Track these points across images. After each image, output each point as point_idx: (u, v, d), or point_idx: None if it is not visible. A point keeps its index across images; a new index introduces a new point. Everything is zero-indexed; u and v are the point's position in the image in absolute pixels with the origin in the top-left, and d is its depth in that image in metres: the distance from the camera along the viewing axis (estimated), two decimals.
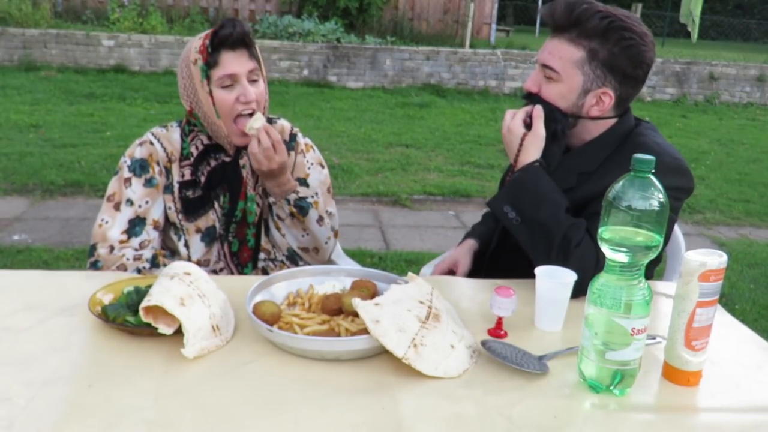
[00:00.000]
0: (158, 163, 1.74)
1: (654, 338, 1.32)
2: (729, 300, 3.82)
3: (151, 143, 1.75)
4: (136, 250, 1.69)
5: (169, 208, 1.76)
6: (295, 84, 9.68)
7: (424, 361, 1.18)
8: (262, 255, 1.84)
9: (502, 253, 1.81)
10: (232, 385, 1.13)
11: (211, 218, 1.77)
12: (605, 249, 1.13)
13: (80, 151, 5.77)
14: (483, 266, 1.85)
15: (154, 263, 1.68)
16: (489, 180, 5.72)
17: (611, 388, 1.16)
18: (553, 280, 1.37)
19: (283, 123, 1.89)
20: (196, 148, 1.76)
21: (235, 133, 1.71)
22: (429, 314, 1.26)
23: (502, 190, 1.62)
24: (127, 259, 1.66)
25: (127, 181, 1.72)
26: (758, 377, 1.27)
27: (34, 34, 9.35)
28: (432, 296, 1.32)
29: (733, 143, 8.24)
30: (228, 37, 1.65)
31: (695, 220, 5.30)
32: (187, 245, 1.76)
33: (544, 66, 1.62)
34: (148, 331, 1.23)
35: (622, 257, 1.11)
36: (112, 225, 1.69)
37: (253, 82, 1.70)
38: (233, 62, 1.66)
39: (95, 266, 1.67)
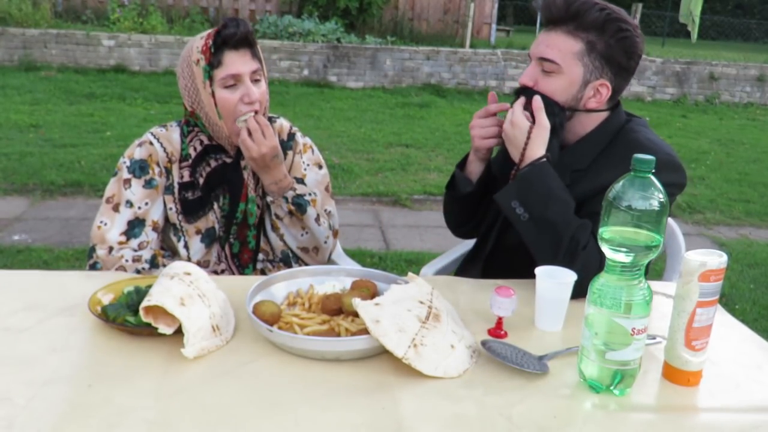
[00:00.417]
0: (158, 164, 1.73)
1: (654, 338, 1.32)
2: (729, 300, 3.82)
3: (151, 143, 1.74)
4: (135, 251, 1.69)
5: (170, 209, 1.75)
6: (295, 84, 9.68)
7: (424, 361, 1.18)
8: (260, 256, 1.84)
9: (498, 254, 1.81)
10: (232, 385, 1.13)
11: (211, 219, 1.77)
12: (605, 249, 1.13)
13: (80, 151, 5.78)
14: (480, 268, 1.84)
15: (153, 264, 1.68)
16: None
17: (611, 388, 1.16)
18: (553, 280, 1.37)
19: (282, 122, 1.89)
20: (195, 149, 1.75)
21: (236, 133, 1.70)
22: (429, 314, 1.26)
23: (511, 184, 1.58)
24: (126, 260, 1.66)
25: (127, 182, 1.71)
26: (758, 377, 1.26)
27: (34, 34, 9.34)
28: (432, 296, 1.32)
29: (733, 143, 8.24)
30: (231, 36, 1.64)
31: (695, 220, 5.30)
32: (186, 246, 1.76)
33: (543, 59, 1.60)
34: (148, 331, 1.23)
35: (622, 257, 1.11)
36: (111, 227, 1.68)
37: (255, 82, 1.69)
38: (236, 62, 1.65)
39: (94, 268, 1.67)
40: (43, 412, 1.03)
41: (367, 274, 1.48)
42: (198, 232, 1.76)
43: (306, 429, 1.03)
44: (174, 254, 1.80)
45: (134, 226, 1.70)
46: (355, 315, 1.26)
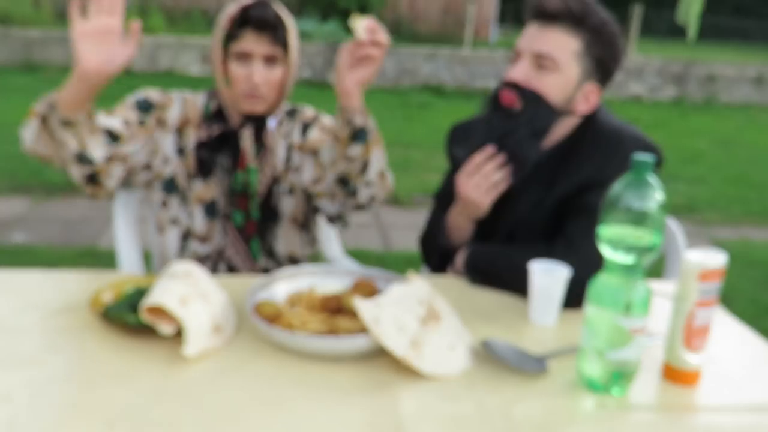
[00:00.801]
0: (164, 121, 1.74)
1: (654, 338, 1.32)
2: (729, 300, 3.81)
3: (171, 99, 1.77)
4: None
5: (177, 174, 1.76)
6: (296, 84, 9.67)
7: (424, 361, 1.18)
8: (262, 260, 1.83)
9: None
10: (232, 385, 1.13)
11: (212, 188, 1.77)
12: (605, 249, 1.13)
13: None
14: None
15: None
16: None
17: (610, 388, 1.16)
18: (547, 273, 1.39)
19: (307, 110, 1.92)
20: (213, 109, 1.78)
21: (237, 104, 1.72)
22: (429, 314, 1.26)
23: (467, 273, 1.62)
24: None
25: (127, 107, 1.72)
26: (758, 377, 1.27)
27: (35, 35, 9.35)
28: (432, 296, 1.33)
29: (732, 144, 8.24)
30: (255, 18, 1.65)
31: (695, 220, 5.31)
32: (191, 216, 1.77)
33: (539, 55, 1.54)
34: (148, 331, 1.23)
35: (622, 257, 1.11)
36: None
37: (270, 66, 1.70)
38: (252, 42, 1.66)
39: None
40: (43, 412, 1.03)
41: (367, 274, 1.49)
42: (201, 201, 1.76)
43: (306, 429, 1.03)
44: (175, 223, 1.79)
45: (111, 133, 1.61)
46: (355, 315, 1.26)
